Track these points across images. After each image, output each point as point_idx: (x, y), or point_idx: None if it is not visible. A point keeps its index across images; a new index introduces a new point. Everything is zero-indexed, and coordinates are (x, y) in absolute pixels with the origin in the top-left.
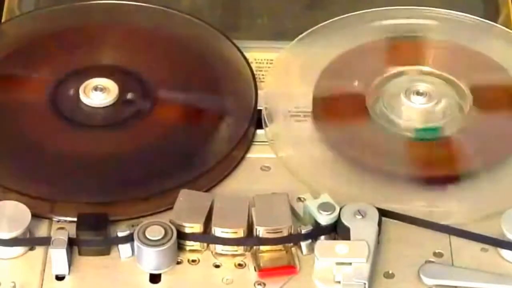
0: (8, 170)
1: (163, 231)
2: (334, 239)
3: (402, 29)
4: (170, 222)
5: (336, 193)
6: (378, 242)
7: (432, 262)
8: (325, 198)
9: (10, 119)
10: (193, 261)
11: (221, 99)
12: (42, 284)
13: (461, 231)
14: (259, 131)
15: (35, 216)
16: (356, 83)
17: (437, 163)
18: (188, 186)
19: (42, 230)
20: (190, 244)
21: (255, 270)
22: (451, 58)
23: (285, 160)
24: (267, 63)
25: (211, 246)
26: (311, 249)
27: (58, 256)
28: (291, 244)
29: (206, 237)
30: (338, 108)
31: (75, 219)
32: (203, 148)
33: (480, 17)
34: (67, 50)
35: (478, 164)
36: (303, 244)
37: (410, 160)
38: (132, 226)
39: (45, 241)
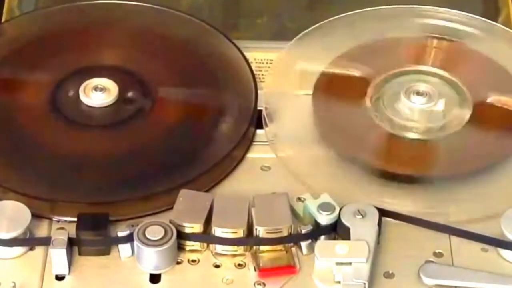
0: (8, 170)
1: (163, 231)
2: (334, 239)
3: (402, 29)
4: (170, 222)
5: (336, 193)
6: (378, 242)
7: (432, 262)
8: (325, 198)
9: (10, 119)
10: (193, 261)
11: (221, 99)
12: (42, 284)
13: (461, 231)
14: (259, 131)
15: (35, 216)
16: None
17: (437, 163)
18: (188, 186)
19: (42, 230)
20: (190, 244)
21: (255, 270)
22: (451, 58)
23: (285, 160)
24: (267, 63)
25: (211, 246)
26: (311, 249)
27: (58, 256)
28: (291, 244)
29: (206, 237)
30: (340, 87)
31: (75, 219)
32: (203, 148)
33: (480, 17)
34: (67, 50)
35: (478, 165)
36: (303, 244)
37: (410, 160)
38: (132, 226)
39: (45, 241)
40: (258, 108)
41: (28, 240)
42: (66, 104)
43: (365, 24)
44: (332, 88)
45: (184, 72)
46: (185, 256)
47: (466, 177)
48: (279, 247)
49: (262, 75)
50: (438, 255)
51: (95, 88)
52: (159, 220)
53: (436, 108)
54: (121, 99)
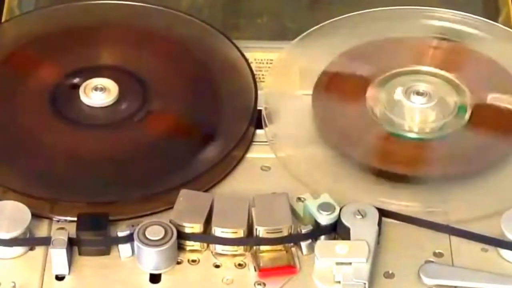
0: (8, 170)
1: (163, 231)
2: (334, 239)
3: (402, 29)
4: (170, 222)
5: (336, 193)
6: (378, 242)
7: (432, 262)
8: (325, 198)
9: (10, 119)
10: (193, 261)
11: (221, 99)
12: (42, 284)
13: (461, 231)
14: (259, 131)
15: (35, 216)
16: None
17: (437, 163)
18: (188, 186)
19: (42, 230)
20: (190, 244)
21: (255, 270)
22: (451, 58)
23: (285, 160)
24: (267, 63)
25: (211, 246)
26: (311, 249)
27: (58, 256)
28: (291, 244)
29: (206, 237)
30: (340, 87)
31: (75, 219)
32: (203, 148)
33: (480, 17)
34: (67, 50)
35: (478, 165)
36: (303, 244)
37: (410, 160)
38: (132, 226)
39: (45, 241)
40: (258, 108)
41: (28, 240)
42: (66, 104)
43: (365, 25)
44: (332, 88)
45: (184, 72)
46: (185, 256)
47: (466, 177)
48: (279, 247)
49: (262, 75)
50: (438, 255)
51: (95, 88)
52: (159, 220)
53: (436, 107)
54: (121, 99)
